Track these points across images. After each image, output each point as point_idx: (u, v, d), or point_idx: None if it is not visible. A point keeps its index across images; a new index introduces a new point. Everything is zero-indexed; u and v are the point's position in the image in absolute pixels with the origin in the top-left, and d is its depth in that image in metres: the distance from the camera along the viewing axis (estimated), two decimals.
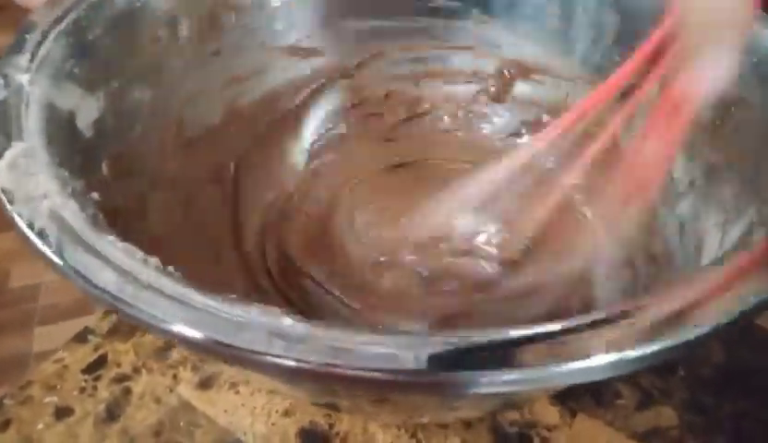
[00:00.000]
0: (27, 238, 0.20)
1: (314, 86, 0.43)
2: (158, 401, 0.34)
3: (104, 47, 0.31)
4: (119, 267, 0.19)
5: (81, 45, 0.29)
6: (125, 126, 0.31)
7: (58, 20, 0.29)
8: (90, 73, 0.29)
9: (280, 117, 0.42)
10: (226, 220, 0.37)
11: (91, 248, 0.20)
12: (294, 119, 0.43)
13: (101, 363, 0.35)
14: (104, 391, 0.34)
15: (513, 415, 0.33)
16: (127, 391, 0.34)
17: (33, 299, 1.03)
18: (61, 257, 0.19)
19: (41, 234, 0.20)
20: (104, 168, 0.28)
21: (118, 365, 0.35)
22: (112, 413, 0.33)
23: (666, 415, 0.33)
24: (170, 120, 0.35)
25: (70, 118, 0.26)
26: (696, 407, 0.33)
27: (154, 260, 0.20)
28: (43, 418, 0.33)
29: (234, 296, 0.19)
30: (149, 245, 0.21)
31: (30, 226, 0.20)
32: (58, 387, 0.34)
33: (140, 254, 0.20)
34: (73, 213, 0.21)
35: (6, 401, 0.34)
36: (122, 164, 0.29)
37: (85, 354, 0.36)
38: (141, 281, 0.19)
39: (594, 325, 0.18)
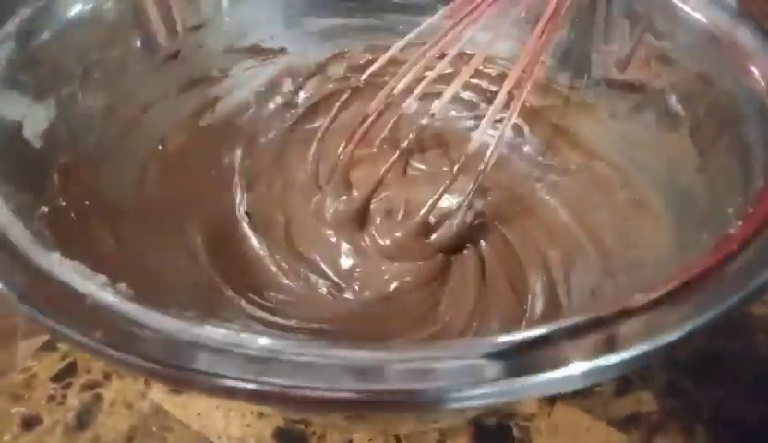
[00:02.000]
0: None
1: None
2: (129, 406, 0.33)
3: (53, 53, 0.29)
4: (62, 284, 0.18)
5: (28, 51, 0.28)
6: (77, 136, 0.30)
7: (5, 23, 0.27)
8: (37, 80, 0.28)
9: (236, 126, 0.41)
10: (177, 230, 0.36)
11: (34, 268, 0.18)
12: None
13: (70, 370, 0.35)
14: (74, 399, 0.33)
15: None
16: (98, 398, 0.33)
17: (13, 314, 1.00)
18: (4, 279, 0.18)
19: None
20: (56, 179, 0.26)
21: (88, 372, 0.34)
22: (82, 421, 0.33)
23: (646, 401, 0.33)
24: (126, 128, 0.34)
25: (17, 129, 0.25)
26: (676, 392, 0.33)
27: (101, 278, 0.19)
28: (11, 429, 0.32)
29: (191, 314, 0.18)
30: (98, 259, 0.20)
31: None
32: (26, 396, 0.34)
33: (87, 271, 0.19)
34: (17, 230, 0.20)
35: None
36: (74, 175, 0.28)
37: (53, 362, 0.35)
38: (86, 299, 0.18)
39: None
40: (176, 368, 0.16)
